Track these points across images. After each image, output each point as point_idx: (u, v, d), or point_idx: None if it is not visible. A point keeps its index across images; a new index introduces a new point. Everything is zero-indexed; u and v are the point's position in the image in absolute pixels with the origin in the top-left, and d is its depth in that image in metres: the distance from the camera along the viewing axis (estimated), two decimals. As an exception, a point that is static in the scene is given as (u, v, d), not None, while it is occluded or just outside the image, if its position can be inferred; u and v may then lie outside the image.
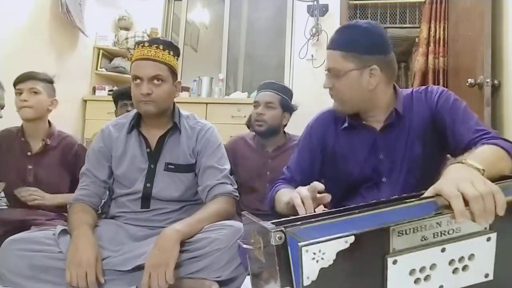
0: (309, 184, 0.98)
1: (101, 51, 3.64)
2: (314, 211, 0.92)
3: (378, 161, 1.21)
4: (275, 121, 1.91)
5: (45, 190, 1.74)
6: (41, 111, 1.80)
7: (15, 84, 1.79)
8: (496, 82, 2.14)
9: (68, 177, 1.81)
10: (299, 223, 0.67)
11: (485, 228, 0.71)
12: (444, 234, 0.70)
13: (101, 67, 3.64)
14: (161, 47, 1.40)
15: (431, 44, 3.29)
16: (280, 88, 1.98)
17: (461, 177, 0.73)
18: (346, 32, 1.18)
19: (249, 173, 1.93)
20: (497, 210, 0.68)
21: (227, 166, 1.50)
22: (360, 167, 1.23)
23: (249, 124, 2.49)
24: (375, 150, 1.22)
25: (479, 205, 0.67)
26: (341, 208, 0.78)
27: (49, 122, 1.88)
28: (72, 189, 1.67)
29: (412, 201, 0.73)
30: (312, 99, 3.16)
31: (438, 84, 3.17)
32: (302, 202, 0.93)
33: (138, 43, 1.44)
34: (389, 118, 1.21)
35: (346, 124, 1.25)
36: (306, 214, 0.88)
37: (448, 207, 0.69)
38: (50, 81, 1.87)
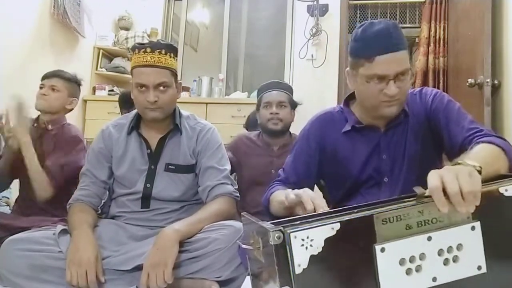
0: (304, 186, 0.97)
1: (101, 51, 3.63)
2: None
3: (381, 161, 1.22)
4: (289, 120, 1.98)
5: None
6: (56, 107, 1.86)
7: (42, 79, 1.88)
8: (496, 82, 2.15)
9: (48, 161, 1.77)
10: (297, 222, 0.68)
11: (468, 218, 0.73)
12: (428, 223, 0.72)
13: (101, 67, 3.63)
14: (163, 51, 1.39)
15: (431, 44, 3.31)
16: (287, 87, 2.05)
17: (448, 170, 0.74)
18: (393, 31, 1.09)
19: (254, 171, 1.95)
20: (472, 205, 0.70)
21: (228, 167, 1.50)
22: (363, 167, 1.23)
23: (247, 126, 2.49)
24: (378, 151, 1.22)
25: (458, 199, 0.69)
26: (340, 208, 0.78)
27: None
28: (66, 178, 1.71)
29: (409, 200, 0.74)
30: (312, 99, 3.16)
31: (439, 84, 3.19)
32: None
33: (138, 48, 1.40)
34: (397, 118, 1.21)
35: (348, 127, 1.24)
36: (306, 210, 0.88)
37: (428, 196, 0.72)
38: (75, 82, 1.94)
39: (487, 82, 2.08)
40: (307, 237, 0.65)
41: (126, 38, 3.64)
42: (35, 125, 1.86)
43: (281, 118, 1.93)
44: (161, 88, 1.39)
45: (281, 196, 1.00)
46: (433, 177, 0.72)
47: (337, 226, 0.66)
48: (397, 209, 0.70)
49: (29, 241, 1.25)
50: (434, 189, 0.70)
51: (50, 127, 1.84)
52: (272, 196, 1.20)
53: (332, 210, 0.82)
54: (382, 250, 0.68)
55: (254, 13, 4.11)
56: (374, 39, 1.09)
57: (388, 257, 0.69)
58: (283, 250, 0.64)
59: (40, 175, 1.67)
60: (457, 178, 0.70)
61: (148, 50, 1.38)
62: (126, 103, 2.36)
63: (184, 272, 1.23)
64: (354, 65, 1.16)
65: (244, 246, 0.79)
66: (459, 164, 0.80)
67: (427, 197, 0.72)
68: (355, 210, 0.71)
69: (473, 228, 0.73)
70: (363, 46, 1.11)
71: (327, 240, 0.66)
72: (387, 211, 0.70)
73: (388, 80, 1.09)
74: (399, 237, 0.70)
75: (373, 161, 1.22)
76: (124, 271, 1.24)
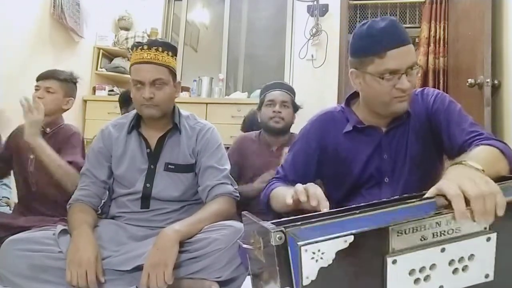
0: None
1: (101, 51, 3.63)
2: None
3: (382, 161, 1.21)
4: (290, 120, 2.00)
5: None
6: (52, 109, 1.84)
7: (37, 80, 1.86)
8: (496, 82, 2.15)
9: (66, 158, 1.76)
10: (299, 223, 0.67)
11: (485, 228, 0.71)
12: (444, 234, 0.69)
13: (101, 67, 3.63)
14: (160, 49, 1.40)
15: (431, 44, 3.31)
16: (290, 89, 2.07)
17: (463, 177, 0.73)
18: (398, 26, 1.10)
19: (254, 171, 1.95)
20: (497, 210, 0.68)
21: (227, 166, 1.50)
22: (364, 167, 1.22)
23: (243, 128, 2.49)
24: (379, 151, 1.22)
25: (480, 204, 0.67)
26: (342, 208, 0.78)
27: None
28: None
29: (413, 202, 0.72)
30: (312, 99, 3.16)
31: (439, 84, 3.19)
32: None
33: (136, 46, 1.42)
34: (400, 118, 1.20)
35: (350, 128, 1.24)
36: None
37: (448, 206, 0.69)
38: (71, 81, 1.92)
39: (487, 82, 2.08)
40: (319, 250, 0.63)
41: (126, 38, 3.64)
42: None
43: (283, 117, 1.94)
44: (157, 85, 1.39)
45: (287, 193, 0.99)
46: (450, 185, 0.70)
47: (351, 238, 0.64)
48: (415, 220, 0.68)
49: (29, 241, 1.25)
50: (455, 196, 0.68)
51: (48, 130, 1.82)
52: (273, 192, 1.20)
53: (334, 210, 0.81)
54: (394, 262, 0.67)
55: (254, 13, 4.11)
56: (382, 34, 1.08)
57: (399, 268, 0.67)
58: (284, 251, 0.64)
59: (64, 169, 1.63)
60: (475, 183, 0.69)
61: (145, 47, 1.39)
62: (125, 102, 2.36)
63: (184, 272, 1.23)
64: (360, 64, 1.14)
65: (244, 246, 0.79)
66: (461, 164, 0.79)
67: (446, 207, 0.70)
68: (357, 211, 0.71)
69: (488, 239, 0.71)
70: (371, 43, 1.09)
71: (338, 253, 0.64)
72: (403, 222, 0.67)
73: (400, 75, 1.09)
74: (413, 248, 0.68)
75: (374, 161, 1.22)
76: (124, 271, 1.24)
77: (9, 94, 2.50)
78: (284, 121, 1.95)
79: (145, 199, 1.43)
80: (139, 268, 1.21)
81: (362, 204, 0.82)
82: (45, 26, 2.95)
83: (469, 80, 2.19)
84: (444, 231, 0.69)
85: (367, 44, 1.11)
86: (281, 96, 1.98)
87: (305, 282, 0.63)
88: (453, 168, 0.81)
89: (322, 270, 0.64)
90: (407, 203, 0.72)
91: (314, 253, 0.63)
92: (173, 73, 1.45)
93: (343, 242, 0.64)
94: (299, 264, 0.63)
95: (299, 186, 0.94)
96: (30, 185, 1.77)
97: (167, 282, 1.15)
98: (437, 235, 0.69)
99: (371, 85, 1.13)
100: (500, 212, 0.68)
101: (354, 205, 0.80)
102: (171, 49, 1.45)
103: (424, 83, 3.24)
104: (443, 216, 0.69)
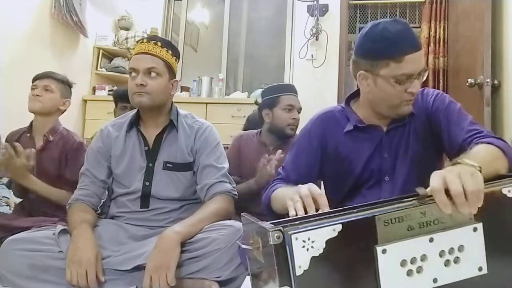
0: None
1: (101, 51, 3.63)
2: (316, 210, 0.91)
3: (382, 160, 1.22)
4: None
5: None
6: (50, 108, 1.84)
7: (33, 81, 1.87)
8: (496, 82, 2.15)
9: (67, 174, 1.80)
10: (297, 222, 0.67)
11: (470, 219, 0.73)
12: (430, 224, 0.71)
13: (101, 67, 3.64)
14: (159, 43, 1.43)
15: (431, 44, 3.31)
16: (296, 92, 2.07)
17: (451, 171, 0.74)
18: (411, 30, 1.10)
19: (251, 170, 1.94)
20: (476, 205, 0.70)
21: (226, 165, 1.50)
22: (364, 166, 1.22)
23: (247, 128, 2.49)
24: (380, 149, 1.22)
25: (461, 199, 0.69)
26: (340, 208, 0.78)
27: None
28: (72, 188, 1.67)
29: (408, 200, 0.74)
30: (312, 99, 3.16)
31: (439, 84, 3.19)
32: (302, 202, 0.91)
33: (138, 41, 1.46)
34: (402, 119, 1.20)
35: (351, 127, 1.24)
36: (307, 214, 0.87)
37: (431, 197, 0.72)
38: (67, 83, 1.93)
39: (487, 82, 2.08)
40: (308, 239, 0.64)
41: (126, 38, 3.64)
42: (28, 134, 1.83)
43: (297, 124, 1.96)
44: (151, 74, 1.40)
45: (285, 199, 0.98)
46: (435, 178, 0.72)
47: (339, 227, 0.66)
48: (399, 210, 0.70)
49: (29, 241, 1.25)
50: (436, 190, 0.70)
51: (51, 137, 1.82)
52: (274, 193, 1.20)
53: (332, 210, 0.81)
54: (384, 251, 0.68)
55: (254, 13, 4.11)
56: (400, 38, 1.07)
57: (389, 258, 0.68)
58: (282, 250, 0.64)
59: (56, 194, 1.71)
60: (459, 178, 0.70)
61: (145, 40, 1.44)
62: (117, 98, 2.31)
63: (184, 272, 1.23)
64: (372, 67, 1.12)
65: (243, 246, 0.79)
66: (458, 163, 0.80)
67: (429, 198, 0.72)
68: (355, 210, 0.71)
69: (475, 229, 0.72)
70: (387, 46, 1.07)
71: (328, 242, 0.65)
72: (389, 212, 0.69)
73: (413, 79, 1.09)
74: (401, 238, 0.69)
75: (375, 160, 1.22)
76: (124, 271, 1.24)
77: (9, 94, 2.51)
78: (297, 129, 1.95)
79: (145, 197, 1.43)
80: (139, 268, 1.21)
81: (361, 204, 0.82)
82: (45, 26, 2.95)
83: (469, 80, 2.19)
84: (430, 221, 0.71)
85: (382, 46, 1.08)
86: (298, 103, 1.99)
87: (298, 272, 0.64)
88: (449, 168, 0.81)
89: (314, 260, 0.65)
90: (399, 201, 0.74)
91: (304, 241, 0.64)
92: (170, 69, 1.45)
93: (331, 230, 0.66)
94: (292, 254, 0.64)
95: (302, 190, 0.90)
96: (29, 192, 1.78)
97: (170, 284, 1.15)
98: (423, 225, 0.71)
99: (383, 88, 1.12)
100: (479, 204, 0.70)
101: (353, 206, 0.80)
102: (171, 48, 1.46)
103: (424, 83, 3.24)
104: (426, 206, 0.71)
